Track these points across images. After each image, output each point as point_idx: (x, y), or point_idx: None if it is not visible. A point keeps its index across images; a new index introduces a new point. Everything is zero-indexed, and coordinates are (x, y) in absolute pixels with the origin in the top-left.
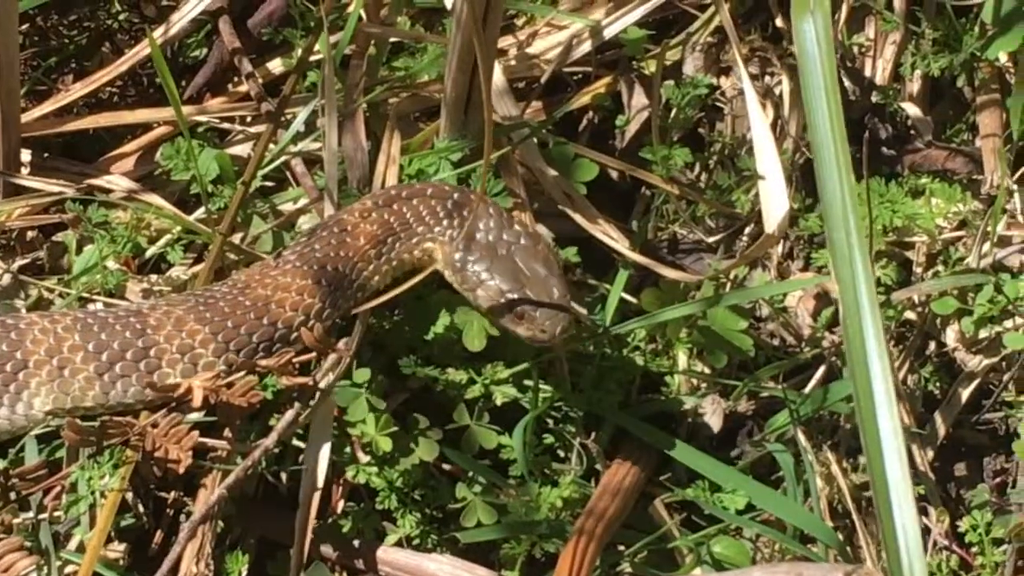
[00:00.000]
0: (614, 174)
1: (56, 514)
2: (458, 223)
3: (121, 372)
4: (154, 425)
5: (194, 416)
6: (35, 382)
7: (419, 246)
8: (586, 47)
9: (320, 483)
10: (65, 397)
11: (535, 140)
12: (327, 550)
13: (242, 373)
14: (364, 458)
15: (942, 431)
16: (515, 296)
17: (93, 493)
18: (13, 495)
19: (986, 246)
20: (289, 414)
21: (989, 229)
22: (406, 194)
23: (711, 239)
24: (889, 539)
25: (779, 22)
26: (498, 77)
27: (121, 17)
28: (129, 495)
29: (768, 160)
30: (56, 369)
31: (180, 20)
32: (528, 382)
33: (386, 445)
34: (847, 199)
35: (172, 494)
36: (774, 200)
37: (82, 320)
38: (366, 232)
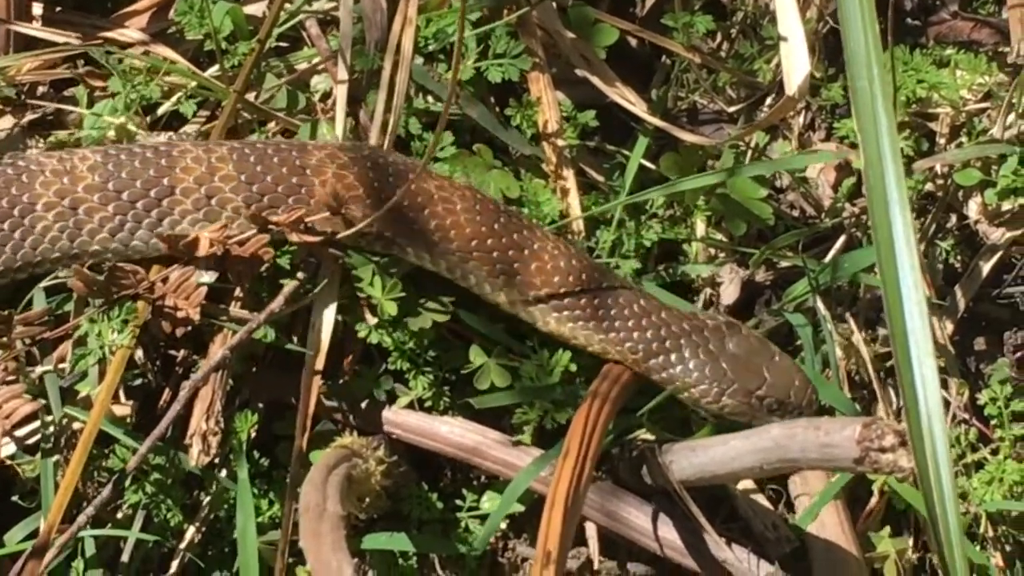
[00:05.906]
0: (633, 42)
1: (61, 366)
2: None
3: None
4: (164, 280)
5: (207, 279)
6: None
7: None
8: None
9: (326, 341)
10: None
11: (554, 2)
12: (336, 412)
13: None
14: (374, 319)
15: (962, 304)
16: (762, 392)
17: (102, 347)
18: (19, 344)
19: (1011, 117)
20: (298, 276)
21: (1014, 100)
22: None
23: (731, 109)
24: (908, 391)
25: None
26: None
27: None
28: (139, 353)
29: (789, 21)
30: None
31: None
32: None
33: (391, 309)
34: (871, 47)
35: (181, 352)
36: (795, 61)
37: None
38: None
